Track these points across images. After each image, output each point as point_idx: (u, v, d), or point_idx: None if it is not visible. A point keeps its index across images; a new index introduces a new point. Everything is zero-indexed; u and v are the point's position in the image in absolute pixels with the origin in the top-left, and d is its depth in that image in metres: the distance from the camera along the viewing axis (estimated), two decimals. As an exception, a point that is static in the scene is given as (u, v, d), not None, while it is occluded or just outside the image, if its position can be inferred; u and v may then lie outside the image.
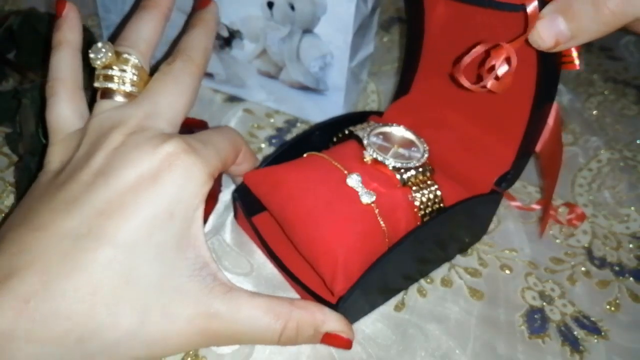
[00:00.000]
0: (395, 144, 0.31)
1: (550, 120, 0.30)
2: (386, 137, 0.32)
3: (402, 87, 0.36)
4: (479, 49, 0.25)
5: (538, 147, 0.31)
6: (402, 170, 0.29)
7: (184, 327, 0.22)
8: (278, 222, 0.30)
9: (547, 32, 0.22)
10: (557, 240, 0.35)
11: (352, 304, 0.26)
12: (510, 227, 0.35)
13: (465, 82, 0.26)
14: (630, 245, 0.35)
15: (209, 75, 0.43)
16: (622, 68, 0.50)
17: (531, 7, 0.23)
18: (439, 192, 0.30)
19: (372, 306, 0.29)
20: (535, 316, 0.30)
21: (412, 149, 0.31)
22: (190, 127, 0.32)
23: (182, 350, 0.24)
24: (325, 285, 0.27)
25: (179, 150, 0.23)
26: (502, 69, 0.25)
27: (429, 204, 0.29)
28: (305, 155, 0.32)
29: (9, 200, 0.34)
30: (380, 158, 0.30)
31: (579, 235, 0.35)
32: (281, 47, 0.39)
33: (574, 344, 0.29)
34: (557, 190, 0.38)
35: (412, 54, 0.35)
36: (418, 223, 0.29)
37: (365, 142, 0.30)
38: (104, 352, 0.21)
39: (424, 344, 0.28)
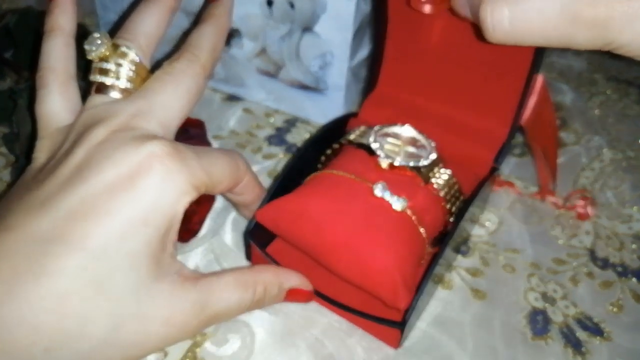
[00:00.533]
0: (401, 142, 0.31)
1: (537, 91, 0.30)
2: (390, 138, 0.31)
3: (370, 83, 0.35)
4: None
5: (524, 120, 0.31)
6: (421, 168, 0.29)
7: (161, 328, 0.22)
8: (307, 253, 0.29)
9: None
10: (560, 241, 0.34)
11: (414, 315, 0.26)
12: (512, 228, 0.35)
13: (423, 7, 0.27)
14: (633, 246, 0.34)
15: (208, 75, 0.43)
16: (624, 67, 0.49)
17: None
18: (455, 179, 0.30)
19: (422, 309, 0.29)
20: (538, 317, 0.30)
21: (417, 143, 0.31)
22: (186, 126, 0.32)
23: (162, 348, 0.23)
24: (385, 304, 0.26)
25: (162, 153, 0.22)
26: None
27: (452, 192, 0.29)
28: (311, 176, 0.30)
29: (6, 200, 0.33)
30: (397, 161, 0.29)
31: (582, 236, 0.35)
32: (281, 46, 0.38)
33: (577, 346, 0.29)
34: (559, 189, 0.37)
35: (377, 45, 0.34)
36: (446, 215, 0.29)
37: (375, 147, 0.29)
38: None
39: (424, 345, 0.28)
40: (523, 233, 0.35)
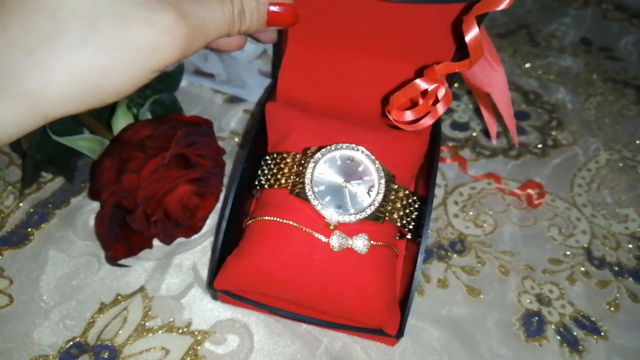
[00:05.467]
0: (343, 179, 0.27)
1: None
2: (330, 178, 0.27)
3: (279, 47, 0.31)
4: (414, 87, 0.24)
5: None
6: (376, 214, 0.26)
7: (145, 30, 0.20)
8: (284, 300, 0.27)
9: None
10: (556, 242, 0.35)
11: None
12: (507, 230, 0.35)
13: (403, 117, 0.25)
14: (630, 246, 0.35)
15: (209, 76, 0.43)
16: (621, 68, 0.49)
17: (472, 36, 0.22)
18: (409, 194, 0.27)
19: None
20: (532, 320, 0.30)
21: (360, 168, 0.27)
22: (199, 123, 0.32)
23: (158, 62, 0.21)
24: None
25: None
26: (441, 92, 0.24)
27: (408, 211, 0.27)
28: (255, 223, 0.27)
29: (9, 200, 0.34)
30: (345, 219, 0.26)
31: (578, 236, 0.35)
32: (280, 48, 0.38)
33: (573, 345, 0.29)
34: (555, 189, 0.38)
35: None
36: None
37: (319, 209, 0.26)
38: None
39: (421, 345, 0.28)
40: (518, 235, 0.35)
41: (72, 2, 0.19)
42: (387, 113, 0.25)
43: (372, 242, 0.26)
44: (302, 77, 0.30)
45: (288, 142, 0.29)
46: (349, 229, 0.26)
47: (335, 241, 0.25)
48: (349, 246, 0.25)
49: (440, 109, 0.24)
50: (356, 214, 0.26)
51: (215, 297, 0.29)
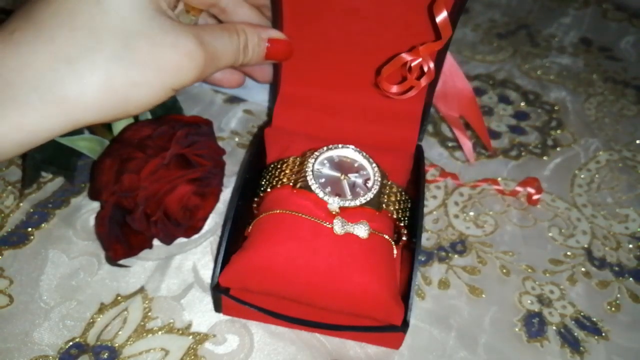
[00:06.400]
0: (341, 173, 0.29)
1: (445, 69, 0.32)
2: (326, 168, 0.29)
3: (275, 85, 0.34)
4: (400, 59, 0.27)
5: (435, 96, 0.32)
6: (376, 201, 0.28)
7: (171, 52, 0.23)
8: (285, 298, 0.27)
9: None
10: (557, 242, 0.35)
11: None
12: (508, 230, 0.35)
13: (390, 88, 0.28)
14: (630, 246, 0.35)
15: (208, 76, 0.43)
16: (621, 68, 0.49)
17: (441, 17, 0.25)
18: (403, 192, 0.30)
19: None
20: (533, 320, 0.30)
21: (355, 165, 0.30)
22: (199, 123, 0.32)
23: (180, 80, 0.24)
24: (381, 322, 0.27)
25: None
26: (425, 69, 0.27)
27: (403, 207, 0.29)
28: (258, 220, 0.28)
29: (9, 200, 0.34)
30: (346, 204, 0.27)
31: (579, 236, 0.35)
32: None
33: (574, 345, 0.29)
34: (555, 189, 0.38)
35: None
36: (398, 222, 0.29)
37: (321, 195, 0.27)
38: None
39: (422, 345, 0.28)
40: (518, 235, 0.35)
41: (111, 23, 0.22)
42: (377, 84, 0.29)
43: (372, 230, 0.27)
44: (294, 113, 0.33)
45: (288, 153, 0.31)
46: (350, 218, 0.27)
47: (338, 225, 0.27)
48: (351, 231, 0.27)
49: (423, 81, 0.27)
50: (357, 198, 0.28)
51: (218, 309, 0.29)
